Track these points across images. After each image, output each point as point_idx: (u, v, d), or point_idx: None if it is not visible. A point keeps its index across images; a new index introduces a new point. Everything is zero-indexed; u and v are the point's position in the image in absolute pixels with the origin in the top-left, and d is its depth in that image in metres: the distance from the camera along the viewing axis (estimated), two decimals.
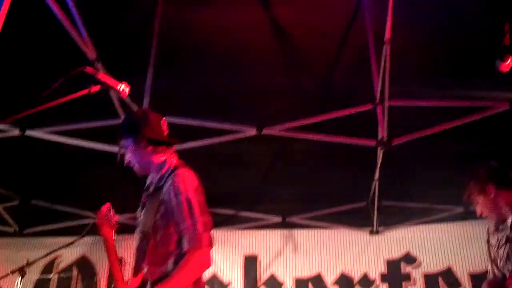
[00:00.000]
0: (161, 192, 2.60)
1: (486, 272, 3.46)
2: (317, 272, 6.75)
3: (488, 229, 3.35)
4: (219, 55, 4.44)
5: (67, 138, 4.97)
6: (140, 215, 2.74)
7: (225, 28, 4.19)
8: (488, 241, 3.34)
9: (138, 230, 2.69)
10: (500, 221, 3.16)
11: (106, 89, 2.53)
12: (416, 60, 4.39)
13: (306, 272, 6.79)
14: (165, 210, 2.55)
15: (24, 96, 3.41)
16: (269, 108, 4.95)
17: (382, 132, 4.55)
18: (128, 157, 2.77)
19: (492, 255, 3.25)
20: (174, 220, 2.51)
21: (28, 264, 4.58)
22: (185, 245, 2.45)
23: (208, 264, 2.47)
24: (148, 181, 2.82)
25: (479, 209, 3.16)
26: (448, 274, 6.44)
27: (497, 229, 3.21)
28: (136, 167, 2.77)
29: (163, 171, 2.69)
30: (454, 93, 4.53)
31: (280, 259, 6.93)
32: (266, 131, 4.89)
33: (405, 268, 6.61)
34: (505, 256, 3.08)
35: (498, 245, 3.17)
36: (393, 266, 6.65)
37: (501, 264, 3.12)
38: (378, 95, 4.32)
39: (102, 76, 2.49)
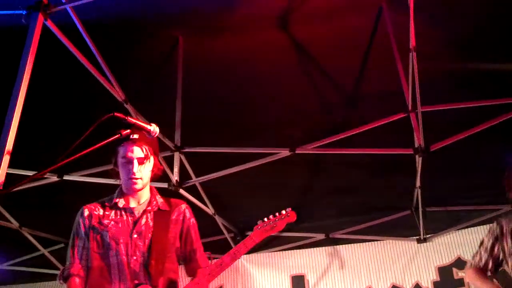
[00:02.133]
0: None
1: None
2: (367, 286, 6.61)
3: (502, 224, 3.49)
4: (244, 81, 4.45)
5: (102, 179, 5.03)
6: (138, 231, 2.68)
7: (247, 53, 4.20)
8: (497, 237, 3.50)
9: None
10: None
11: (137, 130, 2.53)
12: (443, 63, 4.32)
13: (356, 287, 6.66)
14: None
15: (59, 144, 3.46)
16: (300, 128, 4.92)
17: (419, 140, 4.46)
18: (142, 169, 2.71)
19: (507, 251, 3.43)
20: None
21: None
22: None
23: None
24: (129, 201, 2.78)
25: None
26: (502, 276, 6.21)
27: None
28: (140, 183, 2.72)
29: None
30: (487, 92, 4.43)
31: (328, 276, 6.82)
32: (299, 151, 4.85)
33: (458, 274, 6.40)
34: None
35: None
36: (445, 273, 6.45)
37: None
38: (410, 102, 4.24)
39: (131, 119, 2.48)
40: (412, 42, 3.72)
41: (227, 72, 4.36)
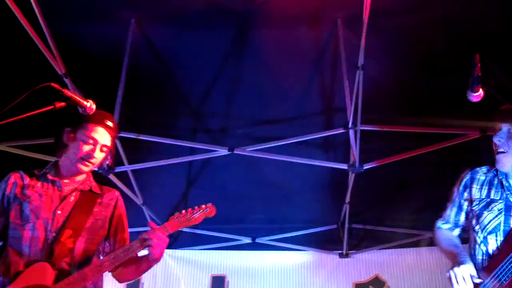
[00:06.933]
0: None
1: None
2: None
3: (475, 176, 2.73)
4: (191, 79, 4.40)
5: (30, 152, 4.83)
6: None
7: (197, 46, 4.16)
8: (467, 184, 2.74)
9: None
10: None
11: (72, 105, 2.43)
12: (390, 86, 4.42)
13: None
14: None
15: None
16: (244, 130, 4.92)
17: (354, 156, 4.55)
18: (99, 157, 2.64)
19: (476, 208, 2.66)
20: None
21: None
22: None
23: None
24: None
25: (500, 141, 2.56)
26: None
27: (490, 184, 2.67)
28: (90, 168, 2.64)
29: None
30: (428, 120, 4.57)
31: (248, 281, 6.82)
32: (237, 151, 4.85)
33: None
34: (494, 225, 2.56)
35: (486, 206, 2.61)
36: None
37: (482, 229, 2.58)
38: (350, 119, 4.31)
39: (68, 92, 2.39)
40: (361, 60, 3.79)
41: (172, 67, 4.31)
